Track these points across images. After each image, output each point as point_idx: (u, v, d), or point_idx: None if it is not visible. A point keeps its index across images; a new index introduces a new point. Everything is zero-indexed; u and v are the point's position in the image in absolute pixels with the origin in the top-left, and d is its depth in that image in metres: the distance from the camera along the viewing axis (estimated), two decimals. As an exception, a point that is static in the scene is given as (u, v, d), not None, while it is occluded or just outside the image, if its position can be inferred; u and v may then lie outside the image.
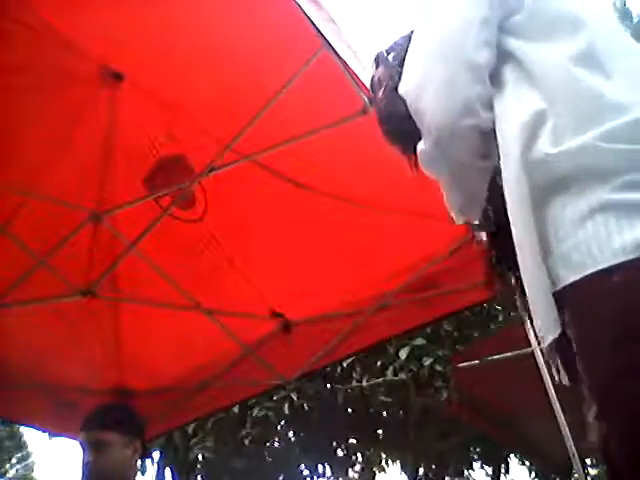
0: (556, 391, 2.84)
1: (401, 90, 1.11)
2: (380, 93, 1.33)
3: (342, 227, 2.76)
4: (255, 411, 7.36)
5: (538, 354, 2.75)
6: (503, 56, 1.06)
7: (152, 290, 2.89)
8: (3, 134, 2.26)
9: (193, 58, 2.18)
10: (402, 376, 6.86)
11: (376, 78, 1.37)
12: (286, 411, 7.27)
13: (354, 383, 7.31)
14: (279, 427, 8.15)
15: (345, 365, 6.96)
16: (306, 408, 7.44)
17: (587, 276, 0.86)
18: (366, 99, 2.08)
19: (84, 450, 2.38)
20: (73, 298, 2.81)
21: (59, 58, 2.12)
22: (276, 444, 8.65)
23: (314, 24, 1.88)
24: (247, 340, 3.19)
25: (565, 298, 0.90)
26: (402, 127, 1.18)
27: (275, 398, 7.23)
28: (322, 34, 1.91)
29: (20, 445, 20.49)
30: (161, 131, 2.54)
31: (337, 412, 7.65)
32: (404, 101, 1.11)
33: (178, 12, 2.03)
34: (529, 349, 2.91)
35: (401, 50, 1.25)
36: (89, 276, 2.83)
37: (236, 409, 7.06)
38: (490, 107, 1.04)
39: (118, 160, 2.55)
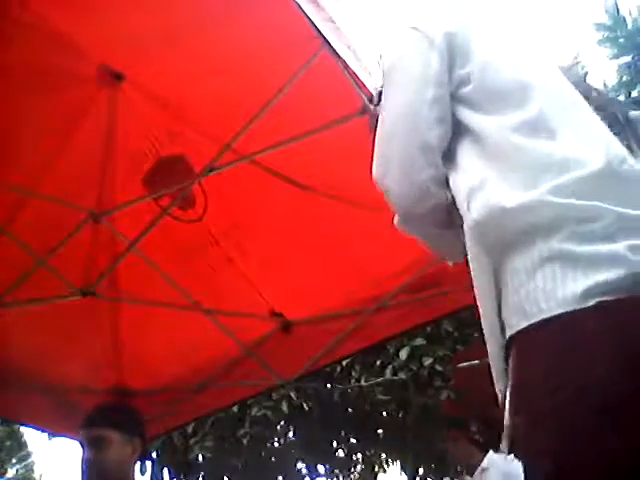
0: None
1: (373, 168, 1.18)
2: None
3: (342, 227, 2.76)
4: (254, 410, 7.35)
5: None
6: (458, 126, 1.10)
7: (152, 290, 2.89)
8: (3, 134, 2.26)
9: (193, 58, 2.18)
10: (402, 376, 6.85)
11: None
12: (285, 410, 7.26)
13: (353, 382, 7.30)
14: (278, 426, 8.14)
15: (344, 364, 6.95)
16: (305, 407, 7.44)
17: (532, 324, 0.92)
18: (366, 99, 2.08)
19: (83, 448, 2.39)
20: (73, 298, 2.81)
21: (59, 58, 2.12)
22: (275, 443, 8.64)
23: (314, 24, 1.88)
24: (247, 340, 3.19)
25: (513, 344, 0.96)
26: None
27: (274, 397, 7.22)
28: (322, 34, 1.91)
29: (20, 445, 20.45)
30: (161, 131, 2.54)
31: (337, 411, 7.65)
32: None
33: (178, 12, 2.03)
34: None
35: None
36: (89, 276, 2.83)
37: (235, 408, 7.05)
38: (446, 184, 1.10)
39: (118, 160, 2.55)
